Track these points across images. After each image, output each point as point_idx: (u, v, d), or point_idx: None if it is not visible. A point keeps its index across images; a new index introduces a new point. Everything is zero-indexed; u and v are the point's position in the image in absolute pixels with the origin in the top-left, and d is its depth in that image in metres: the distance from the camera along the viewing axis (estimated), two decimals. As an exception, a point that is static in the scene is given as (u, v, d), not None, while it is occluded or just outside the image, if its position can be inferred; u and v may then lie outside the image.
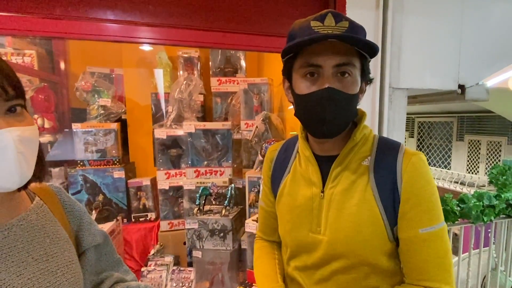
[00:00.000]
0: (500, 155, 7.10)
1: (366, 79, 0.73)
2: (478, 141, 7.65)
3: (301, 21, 0.69)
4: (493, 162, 7.21)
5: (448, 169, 8.13)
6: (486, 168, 7.35)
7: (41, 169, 0.59)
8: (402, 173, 0.69)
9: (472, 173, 7.59)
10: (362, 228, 0.70)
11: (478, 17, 1.57)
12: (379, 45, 1.42)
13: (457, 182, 6.69)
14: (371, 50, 0.66)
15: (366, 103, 1.42)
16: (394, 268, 0.76)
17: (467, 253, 2.07)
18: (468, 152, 7.91)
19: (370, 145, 0.75)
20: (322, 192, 0.74)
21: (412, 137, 9.12)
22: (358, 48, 0.66)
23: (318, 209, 0.74)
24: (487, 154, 7.43)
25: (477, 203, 1.98)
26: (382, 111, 1.43)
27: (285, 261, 0.84)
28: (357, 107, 0.73)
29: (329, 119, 0.67)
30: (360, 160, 0.74)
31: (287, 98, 0.78)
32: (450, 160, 8.29)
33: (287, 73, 0.75)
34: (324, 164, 0.76)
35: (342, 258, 0.71)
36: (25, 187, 0.56)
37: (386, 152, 0.73)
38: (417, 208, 0.68)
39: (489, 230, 2.17)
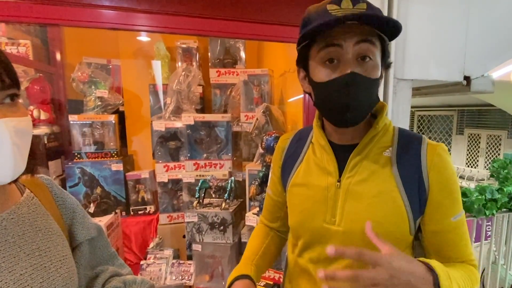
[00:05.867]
0: (500, 149, 7.11)
1: (386, 63, 0.70)
2: (478, 135, 7.64)
3: (316, 5, 0.66)
4: (492, 156, 7.22)
5: (448, 163, 8.14)
6: (486, 162, 7.37)
7: (33, 162, 0.57)
8: (428, 164, 0.68)
9: (472, 167, 7.60)
10: (382, 219, 0.67)
11: (485, 7, 1.53)
12: (384, 35, 1.38)
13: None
14: (393, 30, 0.63)
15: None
16: None
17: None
18: (468, 145, 7.91)
19: (391, 136, 0.73)
20: (339, 181, 0.72)
21: (412, 130, 9.13)
22: (379, 30, 0.63)
23: (334, 199, 0.72)
24: (487, 148, 7.43)
25: (479, 197, 1.97)
26: (386, 103, 1.39)
27: (296, 253, 0.81)
28: None
29: (354, 106, 0.64)
30: (381, 150, 0.71)
31: (303, 88, 0.75)
32: (450, 153, 8.30)
33: (303, 62, 0.72)
34: (341, 153, 0.73)
35: None
36: (16, 179, 0.53)
37: (409, 143, 0.71)
38: (448, 198, 0.69)
39: (488, 223, 2.16)
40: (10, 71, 0.49)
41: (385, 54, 0.68)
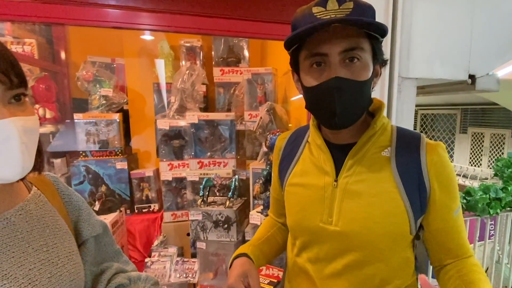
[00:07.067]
0: (503, 148, 7.05)
1: (379, 61, 0.69)
2: (482, 134, 7.58)
3: (303, 8, 0.65)
4: (496, 155, 7.17)
5: (451, 161, 8.08)
6: (489, 161, 7.32)
7: (40, 160, 0.57)
8: (428, 163, 0.68)
9: (475, 165, 7.55)
10: (382, 219, 0.67)
11: (490, 6, 1.52)
12: (389, 33, 1.37)
13: (459, 175, 6.65)
14: (380, 30, 0.62)
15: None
16: (409, 265, 0.74)
17: (471, 245, 2.05)
18: (471, 144, 7.86)
19: (389, 135, 0.72)
20: (336, 181, 0.71)
21: (415, 129, 9.06)
22: (365, 29, 0.62)
23: (331, 199, 0.71)
24: (491, 146, 7.37)
25: (484, 196, 1.95)
26: (390, 101, 1.40)
27: (295, 252, 0.81)
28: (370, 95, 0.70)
29: (340, 111, 0.64)
30: (379, 150, 0.71)
31: (298, 90, 0.75)
32: (453, 152, 8.24)
33: (294, 65, 0.71)
34: (338, 152, 0.73)
35: (356, 250, 0.69)
36: (23, 177, 0.54)
37: (407, 142, 0.71)
38: (450, 196, 0.70)
39: (491, 222, 2.15)
40: (18, 71, 0.50)
41: (376, 52, 0.66)
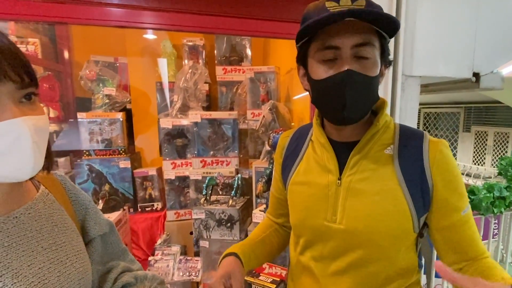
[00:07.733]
0: (507, 147, 7.01)
1: (386, 61, 0.69)
2: (485, 132, 7.54)
3: (316, 3, 0.65)
4: (500, 154, 7.13)
5: (454, 160, 8.05)
6: (493, 160, 7.28)
7: (49, 159, 0.57)
8: (430, 161, 0.67)
9: (479, 164, 7.51)
10: (385, 217, 0.67)
11: (494, 3, 1.51)
12: (392, 31, 1.37)
13: (463, 174, 6.63)
14: (391, 27, 0.62)
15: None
16: (412, 263, 0.74)
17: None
18: (475, 143, 7.82)
19: (392, 133, 0.72)
20: (339, 179, 0.71)
21: (418, 128, 9.01)
22: (378, 26, 0.62)
23: (335, 197, 0.71)
24: (494, 145, 7.34)
25: (488, 195, 1.94)
26: (394, 100, 1.39)
27: (298, 251, 0.81)
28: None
29: (350, 104, 0.63)
30: (382, 147, 0.71)
31: (303, 86, 0.75)
32: (456, 151, 8.21)
33: (302, 59, 0.71)
34: (341, 150, 0.73)
35: (360, 248, 0.69)
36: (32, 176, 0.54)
37: (410, 140, 0.71)
38: (456, 193, 0.68)
39: (495, 221, 2.14)
40: (29, 70, 0.50)
41: (384, 51, 0.67)
